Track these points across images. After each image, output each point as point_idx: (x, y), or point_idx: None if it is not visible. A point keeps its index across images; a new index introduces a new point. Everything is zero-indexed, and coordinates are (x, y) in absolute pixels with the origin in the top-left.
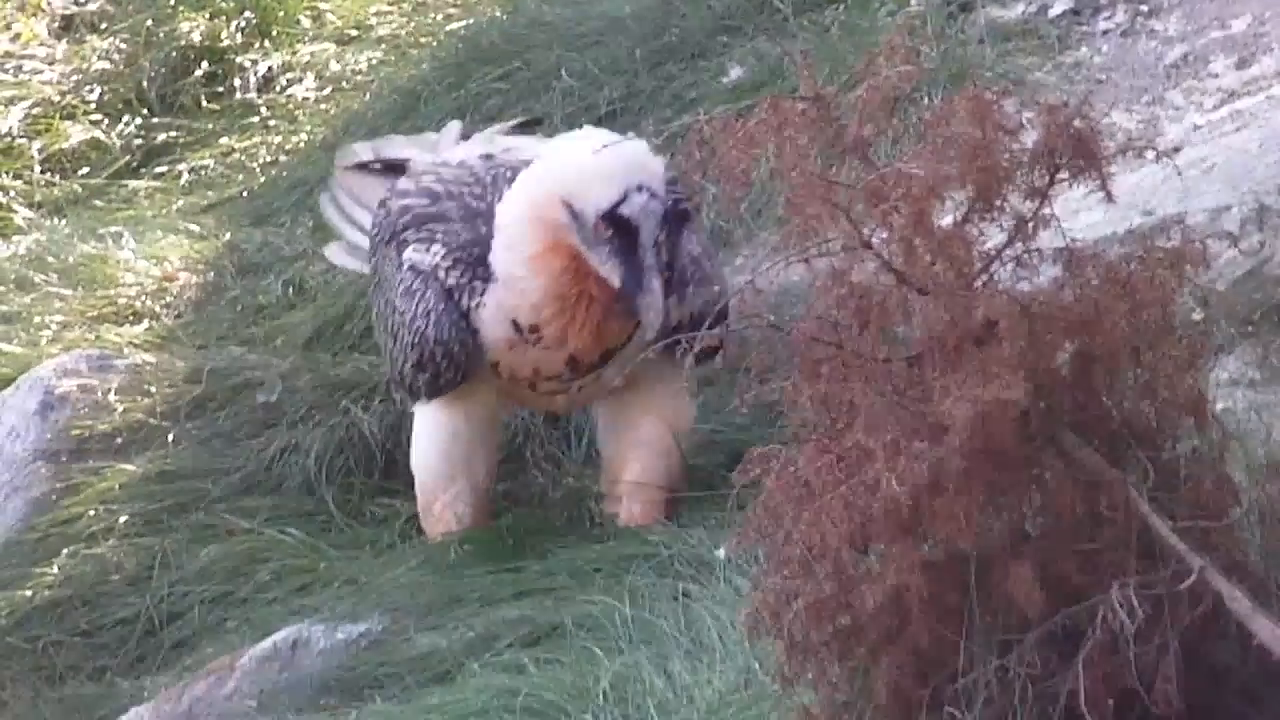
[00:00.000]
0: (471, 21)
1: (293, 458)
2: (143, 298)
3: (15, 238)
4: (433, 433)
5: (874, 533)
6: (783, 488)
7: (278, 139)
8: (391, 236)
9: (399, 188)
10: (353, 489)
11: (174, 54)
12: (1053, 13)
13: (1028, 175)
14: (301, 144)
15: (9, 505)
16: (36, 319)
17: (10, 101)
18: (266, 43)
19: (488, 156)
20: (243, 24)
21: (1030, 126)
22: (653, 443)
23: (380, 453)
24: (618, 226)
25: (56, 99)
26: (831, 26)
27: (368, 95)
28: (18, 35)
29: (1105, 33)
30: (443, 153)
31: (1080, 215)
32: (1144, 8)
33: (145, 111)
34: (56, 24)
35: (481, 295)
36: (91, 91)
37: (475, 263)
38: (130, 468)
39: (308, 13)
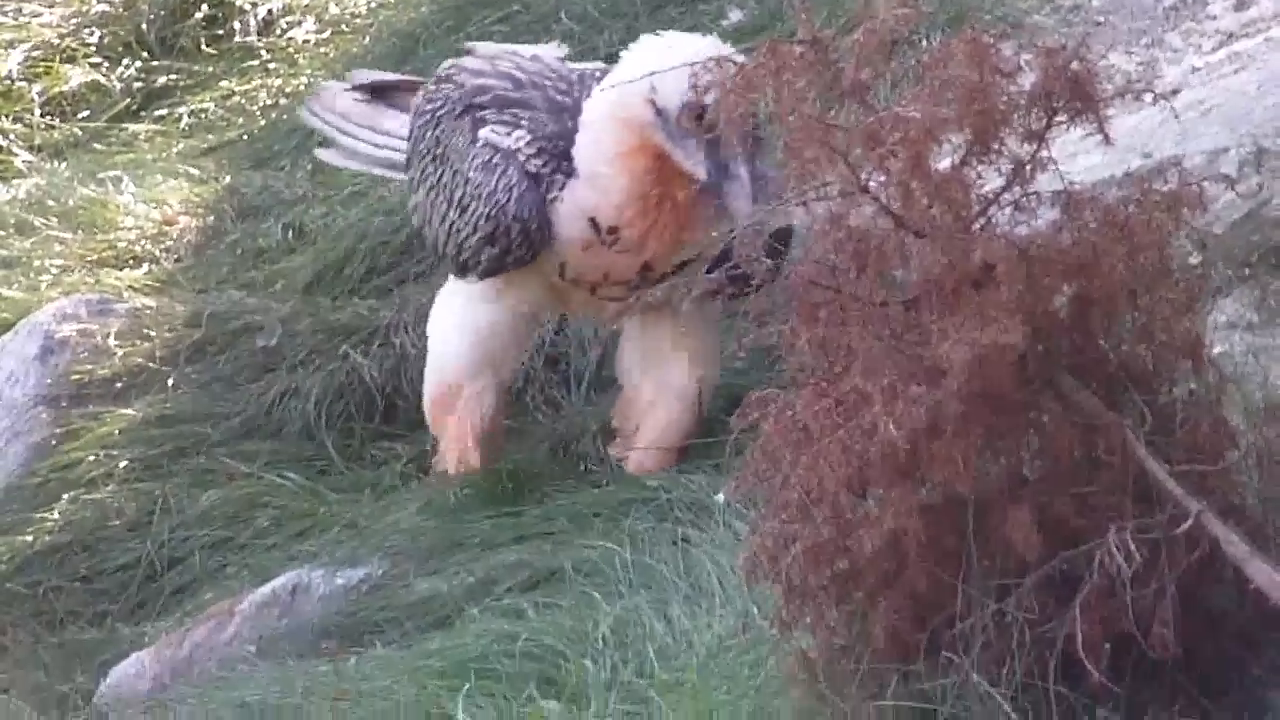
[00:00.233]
0: None
1: (292, 402)
2: (142, 241)
3: (15, 181)
4: (468, 320)
5: (872, 477)
6: (781, 432)
7: (278, 82)
8: (466, 110)
9: (468, 66)
10: (353, 433)
11: None
12: None
13: (1025, 118)
14: (302, 87)
15: (9, 450)
16: (36, 263)
17: (10, 44)
18: None
19: (564, 59)
20: None
21: (1028, 69)
22: (681, 392)
23: (380, 397)
24: (701, 117)
25: (56, 42)
26: None
27: (367, 38)
28: None
29: None
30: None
31: (1078, 158)
32: None
33: (145, 54)
34: None
35: (560, 190)
36: (91, 34)
37: (560, 155)
38: (130, 412)
39: None
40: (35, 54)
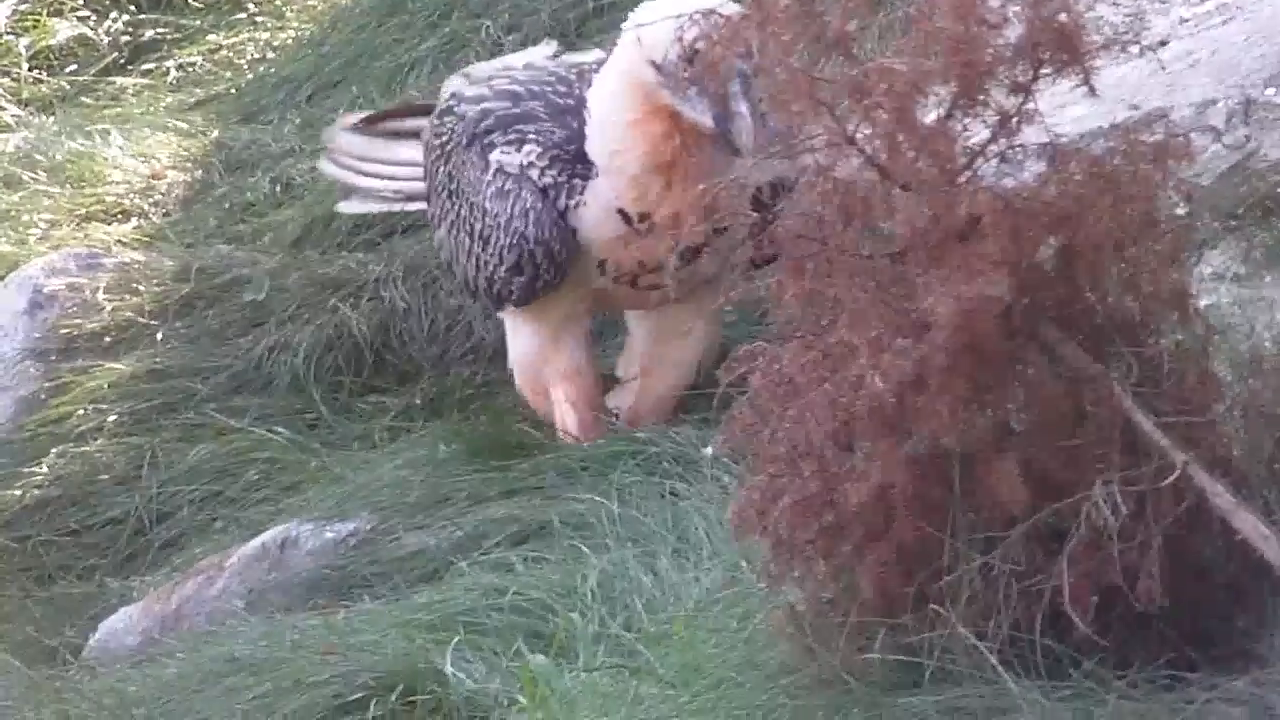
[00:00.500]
0: None
1: (281, 356)
2: (130, 196)
3: (3, 135)
4: (525, 335)
5: (858, 430)
6: (768, 385)
7: (265, 35)
8: (472, 139)
9: (467, 94)
10: (341, 387)
11: None
12: None
13: (1011, 70)
14: (289, 40)
15: None
16: (24, 218)
17: None
18: None
19: (555, 56)
20: None
21: (1016, 21)
22: (679, 364)
23: (369, 350)
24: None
25: None
26: None
27: None
28: None
29: None
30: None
31: (1067, 109)
32: None
33: (133, 8)
34: None
35: (582, 194)
36: None
37: (573, 160)
38: (119, 366)
39: None
40: (23, 8)
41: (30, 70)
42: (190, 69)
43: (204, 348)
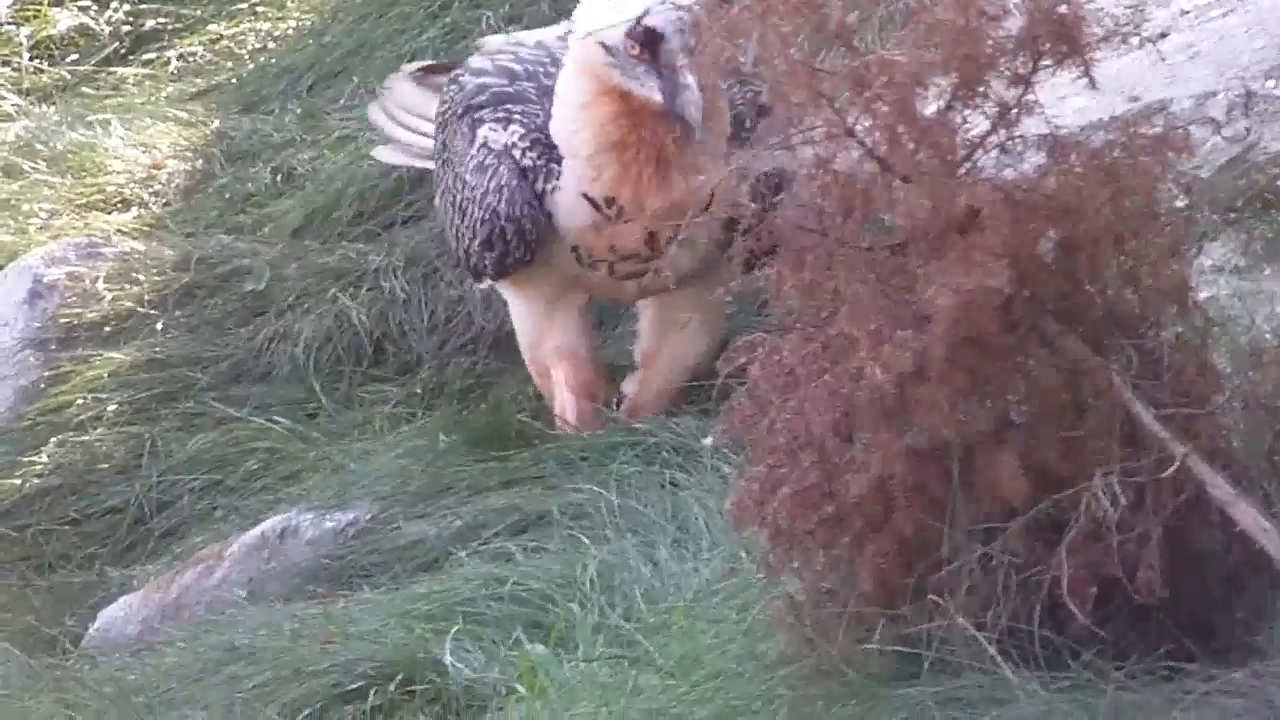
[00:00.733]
0: None
1: (281, 346)
2: (131, 185)
3: (3, 125)
4: (522, 314)
5: (858, 421)
6: (768, 376)
7: (266, 25)
8: (465, 111)
9: (473, 65)
10: (341, 376)
11: None
12: None
13: (1011, 62)
14: (290, 30)
15: None
16: (25, 207)
17: None
18: None
19: (565, 36)
20: None
21: (1017, 13)
22: (680, 358)
23: (369, 340)
24: (644, 41)
25: None
26: None
27: None
28: None
29: None
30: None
31: (1068, 101)
32: None
33: None
34: None
35: (558, 179)
36: None
37: (551, 144)
38: (119, 356)
39: None
40: None
41: (31, 60)
42: (191, 59)
43: (204, 337)
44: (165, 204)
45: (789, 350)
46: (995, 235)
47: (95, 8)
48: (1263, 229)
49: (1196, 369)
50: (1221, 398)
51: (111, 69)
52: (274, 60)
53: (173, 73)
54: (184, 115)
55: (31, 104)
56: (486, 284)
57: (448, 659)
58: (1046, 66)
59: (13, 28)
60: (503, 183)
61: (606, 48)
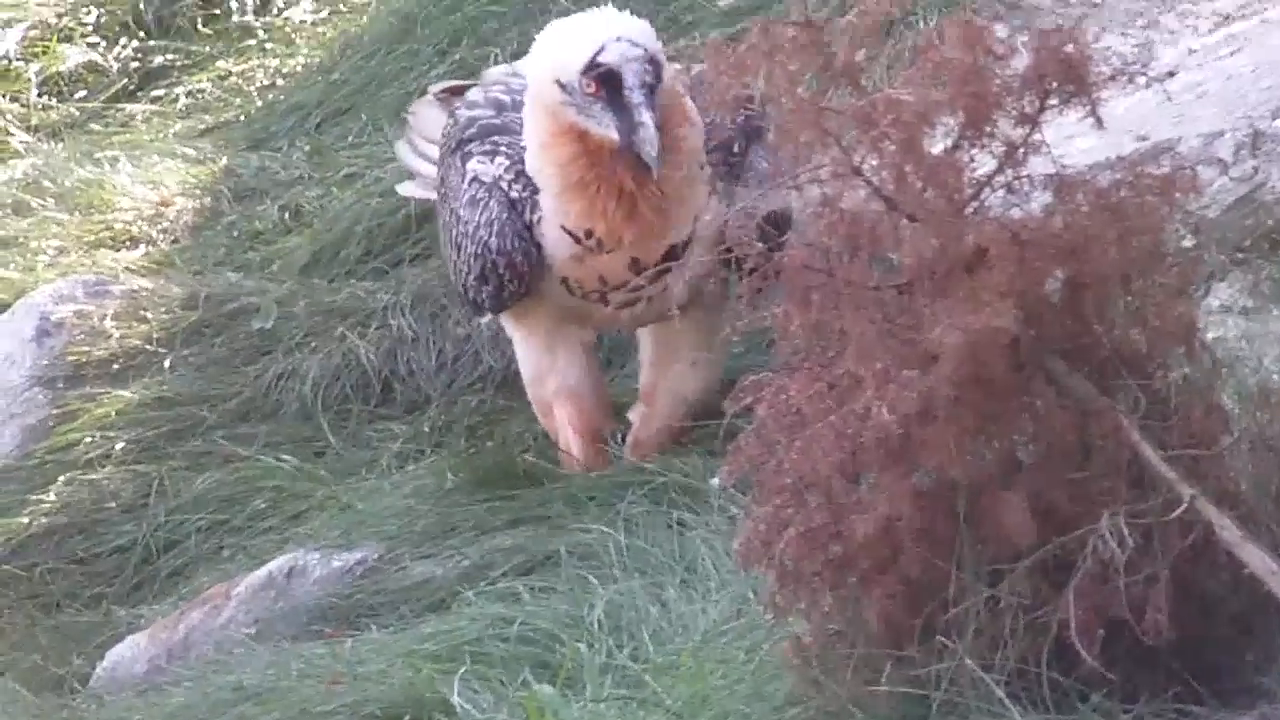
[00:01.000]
0: None
1: (289, 384)
2: (139, 223)
3: (11, 162)
4: (523, 350)
5: (865, 461)
6: (775, 416)
7: (275, 62)
8: (457, 146)
9: (469, 98)
10: (349, 415)
11: None
12: None
13: (1018, 101)
14: (299, 67)
15: (5, 432)
16: (33, 244)
17: (7, 24)
18: None
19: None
20: None
21: (1023, 51)
22: (673, 391)
23: (377, 379)
24: (600, 79)
25: (54, 21)
26: None
27: (365, 18)
28: None
29: None
30: None
31: (1075, 140)
32: None
33: (142, 34)
34: None
35: (539, 210)
36: (89, 14)
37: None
38: (126, 394)
39: None
40: (33, 33)
41: (40, 96)
42: (199, 95)
43: (212, 375)
44: (173, 241)
45: (795, 390)
46: (1002, 275)
47: (104, 44)
48: (1270, 269)
49: (1204, 410)
50: (1229, 439)
51: (120, 106)
52: (282, 97)
53: (181, 109)
54: (192, 152)
55: (40, 141)
56: (488, 318)
57: (455, 699)
58: (1053, 106)
59: (22, 64)
60: (493, 216)
61: (562, 86)
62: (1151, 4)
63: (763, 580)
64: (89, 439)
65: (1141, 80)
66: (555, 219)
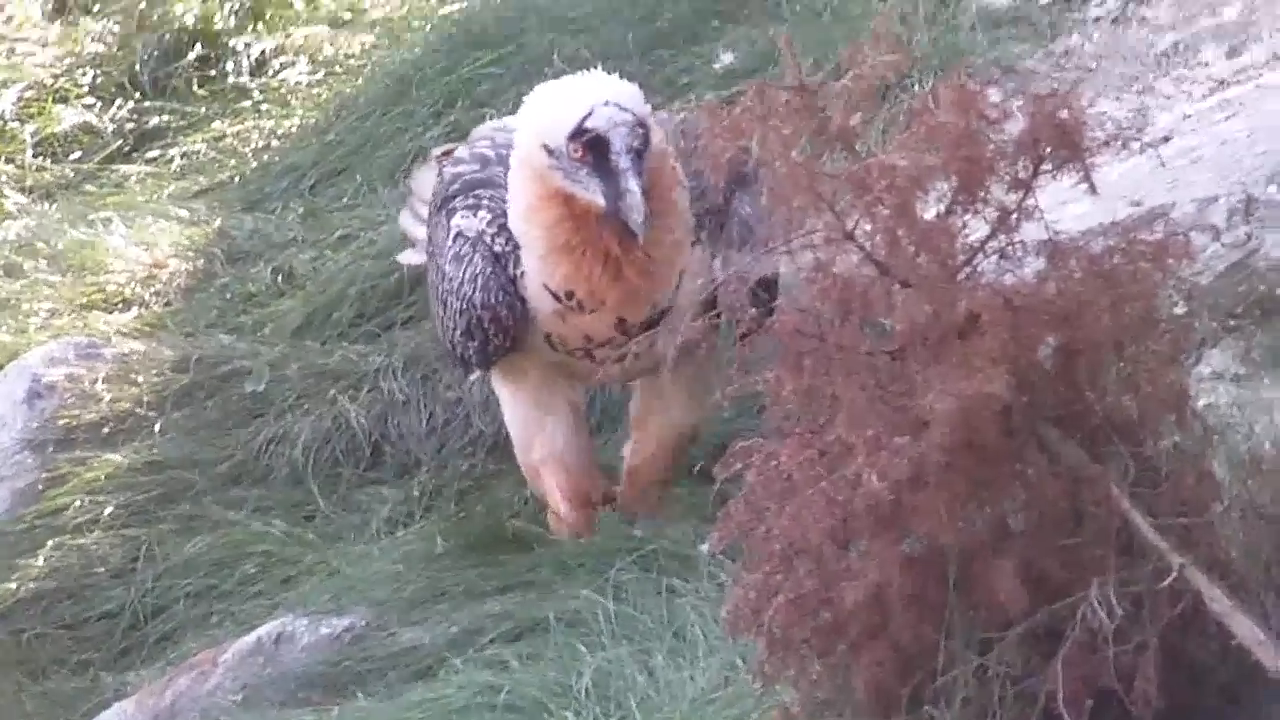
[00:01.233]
0: (465, 5)
1: (280, 448)
2: (132, 285)
3: (5, 223)
4: (512, 414)
5: (855, 528)
6: (764, 482)
7: (270, 123)
8: (443, 203)
9: (455, 155)
10: (340, 479)
11: (167, 37)
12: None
13: (1012, 166)
14: (294, 128)
15: None
16: (25, 306)
17: (3, 84)
18: (259, 26)
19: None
20: (236, 7)
21: (1018, 115)
22: (659, 437)
23: (368, 443)
24: (588, 144)
25: (49, 82)
26: (824, 11)
27: (361, 79)
28: (11, 18)
29: (1096, 20)
30: None
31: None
32: None
33: (138, 95)
34: (50, 6)
35: (524, 265)
36: (84, 75)
37: None
38: (117, 458)
39: None
40: (28, 94)
41: (35, 157)
42: (194, 157)
43: (202, 439)
44: (166, 303)
45: (786, 456)
46: (994, 341)
47: (100, 105)
48: (1263, 336)
49: (1195, 478)
50: (1220, 507)
51: (115, 167)
52: (277, 159)
53: (176, 171)
54: (186, 214)
55: (34, 202)
56: (476, 375)
57: None
58: (1047, 171)
59: (17, 125)
60: (477, 271)
61: (549, 150)
62: (1146, 69)
63: (751, 647)
64: (78, 503)
65: (1136, 145)
66: (538, 277)
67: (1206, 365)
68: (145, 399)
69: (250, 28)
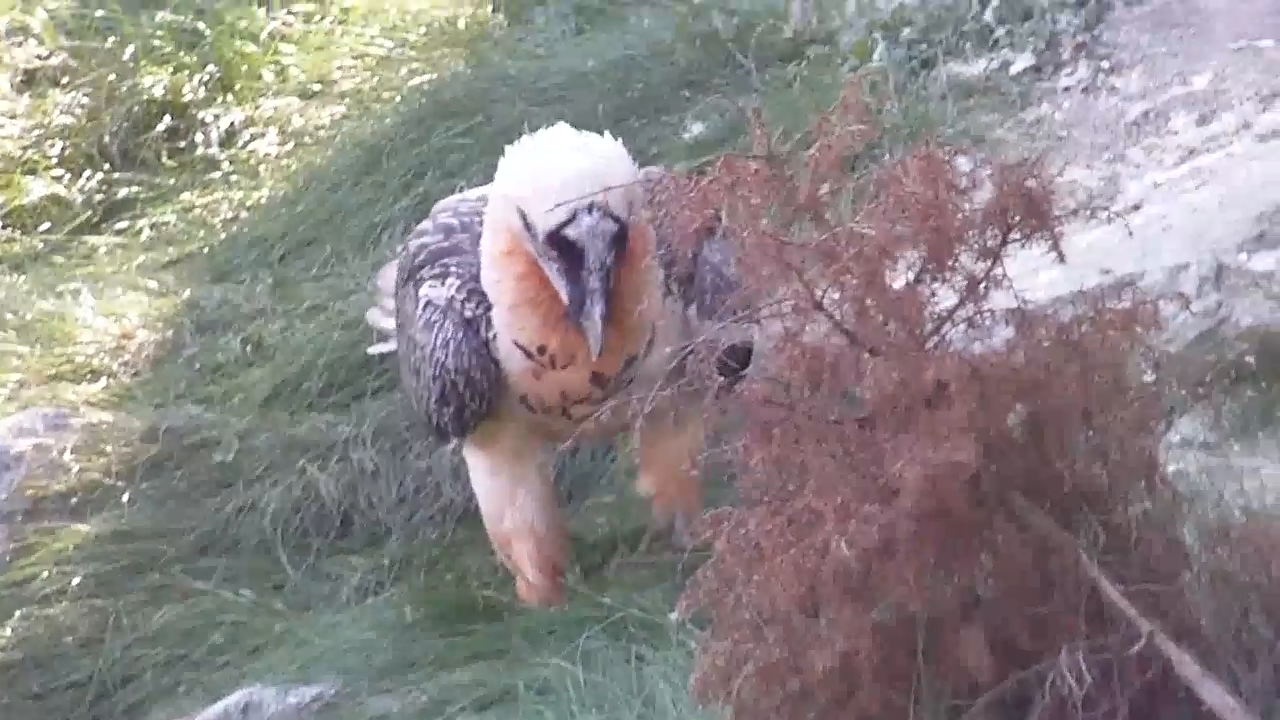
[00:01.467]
0: (435, 76)
1: (249, 517)
2: (101, 355)
3: None
4: (483, 487)
5: (824, 596)
6: (733, 550)
7: (239, 195)
8: (409, 275)
9: (418, 228)
10: (309, 548)
11: (136, 109)
12: (1014, 69)
13: (980, 236)
14: (263, 200)
15: None
16: None
17: None
18: (229, 97)
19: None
20: (205, 79)
21: (988, 185)
22: (678, 452)
23: (337, 512)
24: (562, 248)
25: (18, 154)
26: (794, 82)
27: (330, 150)
28: None
29: (1066, 89)
30: None
31: (1040, 274)
32: (1105, 64)
33: (107, 166)
34: (19, 78)
35: (494, 325)
36: (53, 146)
37: (484, 291)
38: (85, 528)
39: (271, 67)
40: None
41: (3, 229)
42: (163, 228)
43: (171, 509)
44: (134, 374)
45: (755, 524)
46: (963, 409)
47: (68, 177)
48: (1232, 404)
49: (1164, 545)
50: (1189, 574)
51: (83, 238)
52: (246, 229)
53: (144, 242)
54: (155, 285)
55: (2, 273)
56: (453, 444)
57: None
58: (1015, 240)
59: None
60: (448, 336)
61: (526, 223)
62: (1117, 137)
63: (721, 715)
64: (46, 573)
65: (1106, 214)
66: (509, 334)
67: (1176, 433)
68: (113, 469)
69: (219, 99)
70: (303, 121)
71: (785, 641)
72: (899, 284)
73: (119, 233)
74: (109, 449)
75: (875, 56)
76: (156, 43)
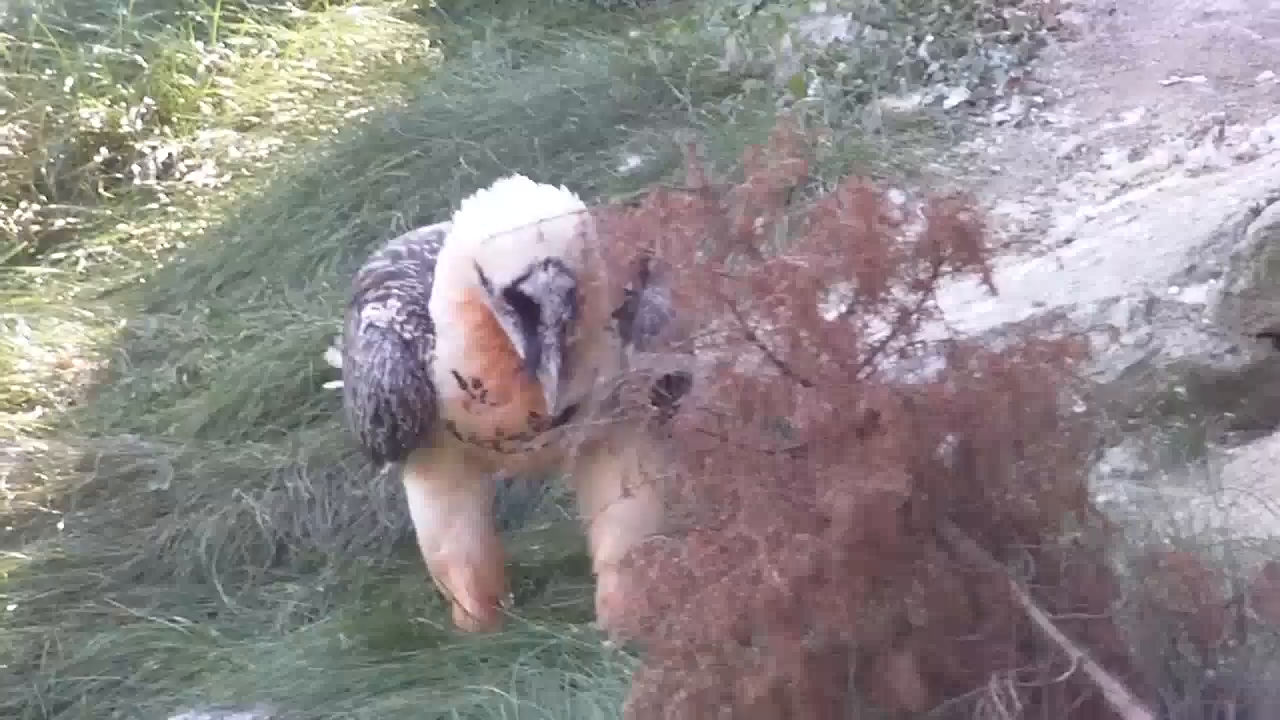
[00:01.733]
0: (372, 109)
1: (184, 545)
2: (36, 385)
3: None
4: (421, 515)
5: (756, 624)
6: (666, 578)
7: (176, 226)
8: (355, 298)
9: (370, 257)
10: (245, 576)
11: (73, 140)
12: (948, 104)
13: (912, 268)
14: (200, 231)
15: None
16: None
17: None
18: (166, 129)
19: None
20: (143, 110)
21: (920, 218)
22: (624, 519)
23: (272, 540)
24: (519, 303)
25: None
26: (729, 116)
27: (268, 182)
28: None
29: (1000, 124)
30: None
31: (972, 305)
32: (1038, 99)
33: (43, 197)
34: None
35: (433, 348)
36: None
37: (425, 314)
38: (20, 556)
39: (208, 99)
40: None
41: None
42: (100, 258)
43: (106, 537)
44: (70, 403)
45: (687, 552)
46: (894, 439)
47: (5, 207)
48: (1162, 435)
49: (1094, 574)
50: (1119, 603)
51: (20, 268)
52: (183, 260)
53: (81, 272)
54: (91, 315)
55: None
56: (387, 468)
57: None
58: (947, 273)
59: None
60: (386, 356)
61: (483, 277)
62: (1050, 172)
63: None
64: None
65: (1038, 247)
66: (449, 363)
67: (1106, 463)
68: (49, 498)
69: (157, 131)
70: (240, 153)
71: (717, 669)
72: (831, 315)
73: (55, 263)
74: (44, 477)
75: (810, 91)
76: (94, 75)
